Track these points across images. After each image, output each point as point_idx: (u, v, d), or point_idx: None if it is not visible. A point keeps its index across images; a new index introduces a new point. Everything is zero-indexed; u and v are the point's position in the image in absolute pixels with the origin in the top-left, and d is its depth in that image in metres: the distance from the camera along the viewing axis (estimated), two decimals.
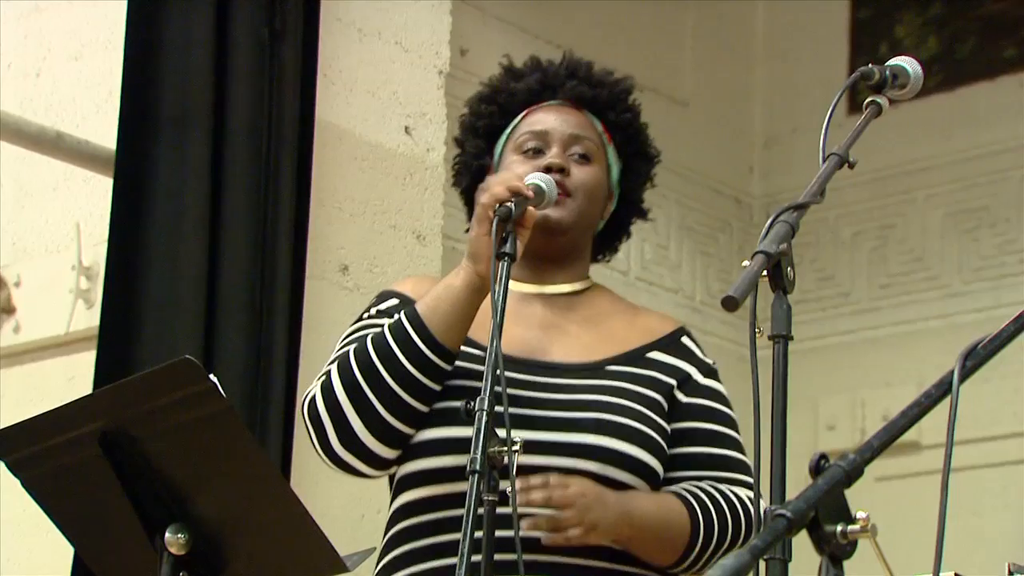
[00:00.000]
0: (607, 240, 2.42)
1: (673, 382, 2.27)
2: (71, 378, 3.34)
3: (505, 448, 1.91)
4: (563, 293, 2.32)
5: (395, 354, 2.17)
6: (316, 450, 2.22)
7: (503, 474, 1.93)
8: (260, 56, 3.34)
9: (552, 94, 2.35)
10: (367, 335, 2.22)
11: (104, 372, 3.13)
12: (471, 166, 2.37)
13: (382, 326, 2.23)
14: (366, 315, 2.31)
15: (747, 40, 5.18)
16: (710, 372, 2.31)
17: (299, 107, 3.37)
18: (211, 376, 1.89)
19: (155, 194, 3.25)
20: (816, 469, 1.46)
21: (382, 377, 2.16)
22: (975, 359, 1.55)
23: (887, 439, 1.49)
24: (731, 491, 2.23)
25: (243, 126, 3.31)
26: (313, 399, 2.20)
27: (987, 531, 4.41)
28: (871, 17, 5.06)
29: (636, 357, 2.27)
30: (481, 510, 1.90)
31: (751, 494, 2.19)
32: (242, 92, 3.32)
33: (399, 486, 2.24)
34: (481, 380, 2.04)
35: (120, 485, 1.92)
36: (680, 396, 2.27)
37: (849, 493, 1.47)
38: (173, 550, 1.91)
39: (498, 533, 1.93)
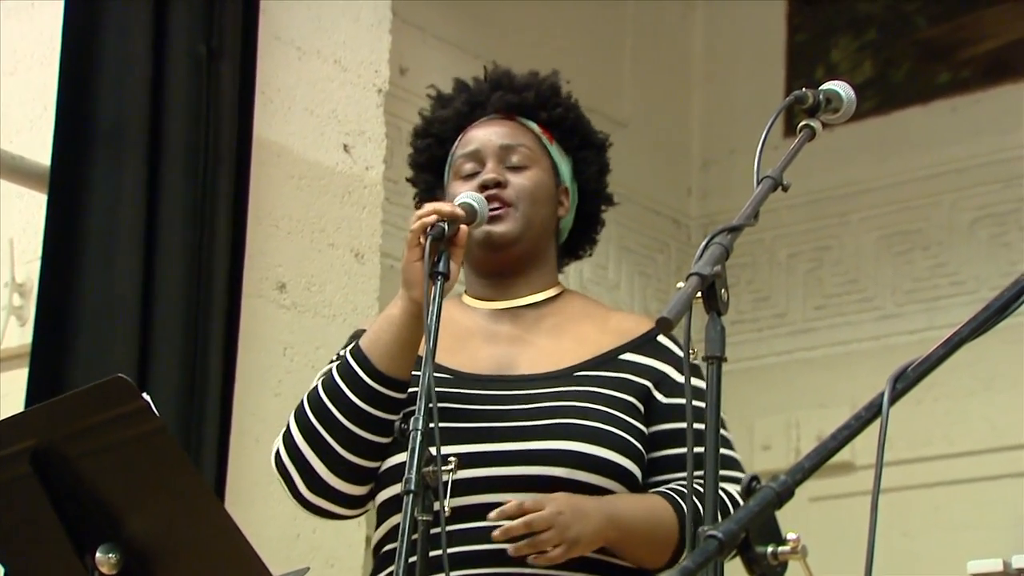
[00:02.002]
0: (583, 236, 2.40)
1: (648, 383, 2.23)
2: (3, 396, 3.30)
3: (438, 468, 1.91)
4: (531, 304, 2.31)
5: (343, 391, 2.17)
6: (292, 500, 2.23)
7: (456, 491, 1.95)
8: (197, 73, 3.32)
9: (482, 111, 2.35)
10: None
11: (36, 390, 3.10)
12: (426, 201, 2.36)
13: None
14: (335, 357, 2.29)
15: (685, 62, 5.22)
16: (691, 369, 2.22)
17: (237, 125, 3.36)
18: (144, 395, 1.88)
19: (90, 211, 3.22)
20: (747, 490, 1.46)
21: (334, 416, 2.17)
22: (905, 381, 1.55)
23: (818, 460, 1.49)
24: (721, 489, 2.13)
25: (180, 143, 3.29)
26: (278, 450, 2.22)
27: (918, 552, 4.44)
28: (807, 41, 5.11)
29: (607, 360, 2.25)
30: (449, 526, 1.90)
31: (738, 488, 2.14)
32: (179, 109, 3.30)
33: (380, 513, 2.23)
34: (449, 401, 2.07)
35: (51, 504, 1.91)
36: (659, 397, 2.23)
37: (784, 513, 1.48)
38: (104, 570, 1.90)
39: (448, 550, 1.93)
